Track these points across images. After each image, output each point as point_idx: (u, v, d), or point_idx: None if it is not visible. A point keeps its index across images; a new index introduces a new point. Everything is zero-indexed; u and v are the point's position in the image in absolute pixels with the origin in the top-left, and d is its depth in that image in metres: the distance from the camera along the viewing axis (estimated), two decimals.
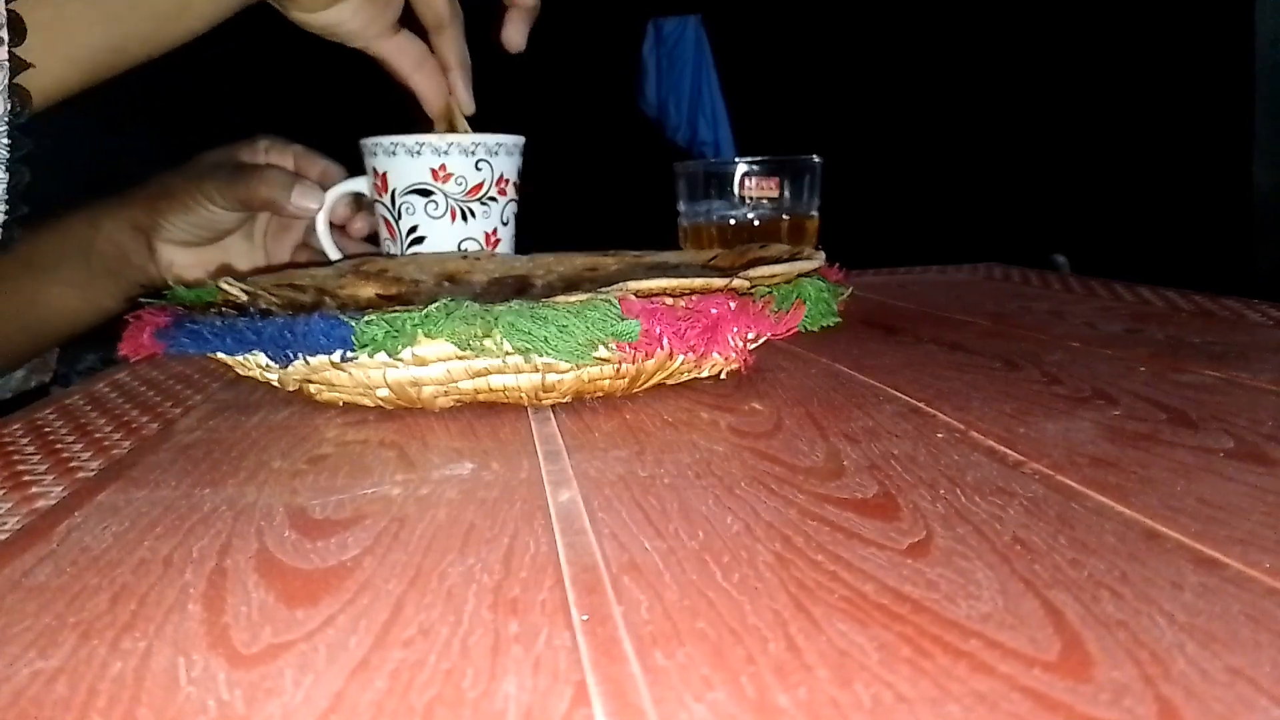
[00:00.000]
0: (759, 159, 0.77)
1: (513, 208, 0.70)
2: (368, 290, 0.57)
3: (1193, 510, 0.27)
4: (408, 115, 0.66)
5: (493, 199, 0.68)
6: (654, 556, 0.25)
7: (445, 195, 0.66)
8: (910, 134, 3.55)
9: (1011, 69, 3.40)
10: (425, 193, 0.66)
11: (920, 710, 0.18)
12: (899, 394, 0.43)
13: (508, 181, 0.69)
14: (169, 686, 0.20)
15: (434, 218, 0.67)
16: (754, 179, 0.77)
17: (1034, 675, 0.19)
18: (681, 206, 0.81)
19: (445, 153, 0.66)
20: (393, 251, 0.68)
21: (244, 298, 0.48)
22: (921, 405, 0.41)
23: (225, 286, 0.49)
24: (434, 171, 0.66)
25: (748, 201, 0.77)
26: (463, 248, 0.67)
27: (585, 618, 0.22)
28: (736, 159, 0.78)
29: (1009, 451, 0.34)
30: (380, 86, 0.66)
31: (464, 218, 0.67)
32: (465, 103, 0.67)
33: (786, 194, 0.78)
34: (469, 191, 0.67)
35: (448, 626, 0.22)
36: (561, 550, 0.26)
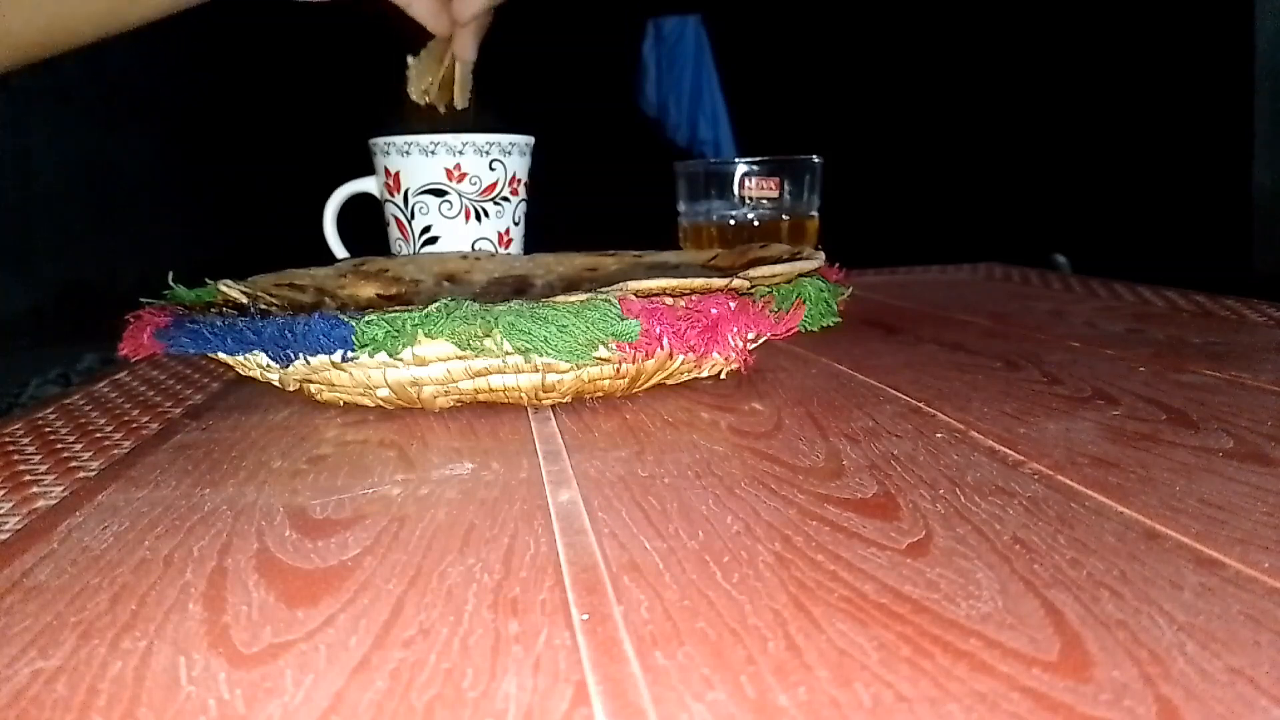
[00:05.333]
0: (759, 159, 0.77)
1: (523, 207, 0.70)
2: (368, 290, 0.57)
3: (1193, 510, 0.27)
4: (410, 116, 0.66)
5: (506, 199, 0.68)
6: (654, 556, 0.25)
7: (460, 195, 0.66)
8: (910, 134, 3.55)
9: (1011, 69, 3.40)
10: (439, 193, 0.66)
11: (920, 710, 0.18)
12: (899, 394, 0.43)
13: (519, 181, 0.69)
14: (169, 686, 0.20)
15: (448, 218, 0.67)
16: (754, 179, 0.77)
17: (1034, 675, 0.19)
18: (681, 206, 0.81)
19: (460, 152, 0.66)
20: (405, 252, 0.68)
21: (244, 298, 0.48)
22: (921, 405, 0.41)
23: (225, 288, 0.49)
24: (449, 171, 0.66)
25: (748, 201, 0.77)
26: (476, 247, 0.67)
27: (585, 618, 0.22)
28: (736, 159, 0.78)
29: (1009, 451, 0.34)
30: (383, 86, 0.65)
31: (478, 217, 0.67)
32: (466, 49, 0.64)
33: (786, 194, 0.78)
34: (483, 191, 0.67)
35: (448, 626, 0.22)
36: (561, 550, 0.26)
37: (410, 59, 0.65)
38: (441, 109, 0.65)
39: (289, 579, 0.25)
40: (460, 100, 0.65)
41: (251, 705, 0.19)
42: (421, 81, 0.65)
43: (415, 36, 0.64)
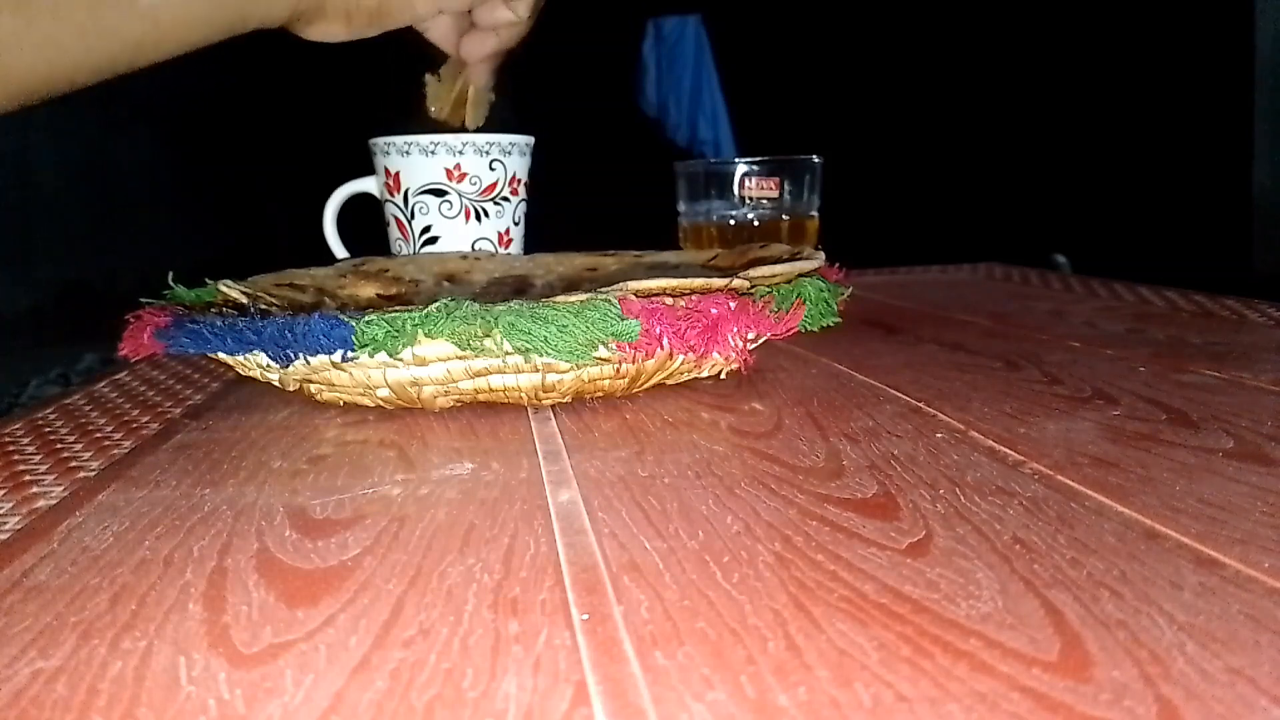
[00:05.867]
0: (759, 159, 0.77)
1: (523, 207, 0.70)
2: (368, 290, 0.57)
3: (1193, 510, 0.27)
4: (410, 115, 0.66)
5: (506, 199, 0.68)
6: (654, 556, 0.25)
7: (460, 195, 0.66)
8: (910, 134, 3.55)
9: (1011, 69, 3.40)
10: (439, 193, 0.66)
11: (920, 710, 0.18)
12: (899, 394, 0.43)
13: (519, 181, 0.69)
14: (169, 686, 0.20)
15: (448, 218, 0.67)
16: (754, 179, 0.77)
17: (1034, 675, 0.19)
18: (681, 206, 0.81)
19: (460, 152, 0.66)
20: (405, 252, 0.68)
21: (244, 298, 0.48)
22: (921, 405, 0.41)
23: (225, 288, 0.49)
24: (449, 171, 0.66)
25: (748, 201, 0.77)
26: (476, 247, 0.67)
27: (585, 618, 0.22)
28: (736, 159, 0.78)
29: (1009, 451, 0.34)
30: (382, 86, 0.65)
31: (478, 217, 0.67)
32: (479, 75, 0.64)
33: (786, 194, 0.78)
34: (483, 191, 0.67)
35: (448, 626, 0.22)
36: (561, 550, 0.26)
37: (429, 76, 0.66)
38: (456, 124, 0.66)
39: (289, 579, 0.25)
40: (473, 121, 0.66)
41: (251, 705, 0.19)
42: (438, 99, 0.66)
43: (433, 54, 0.65)
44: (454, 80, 0.65)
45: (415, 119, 0.66)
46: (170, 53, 0.53)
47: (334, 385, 0.43)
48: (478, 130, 0.66)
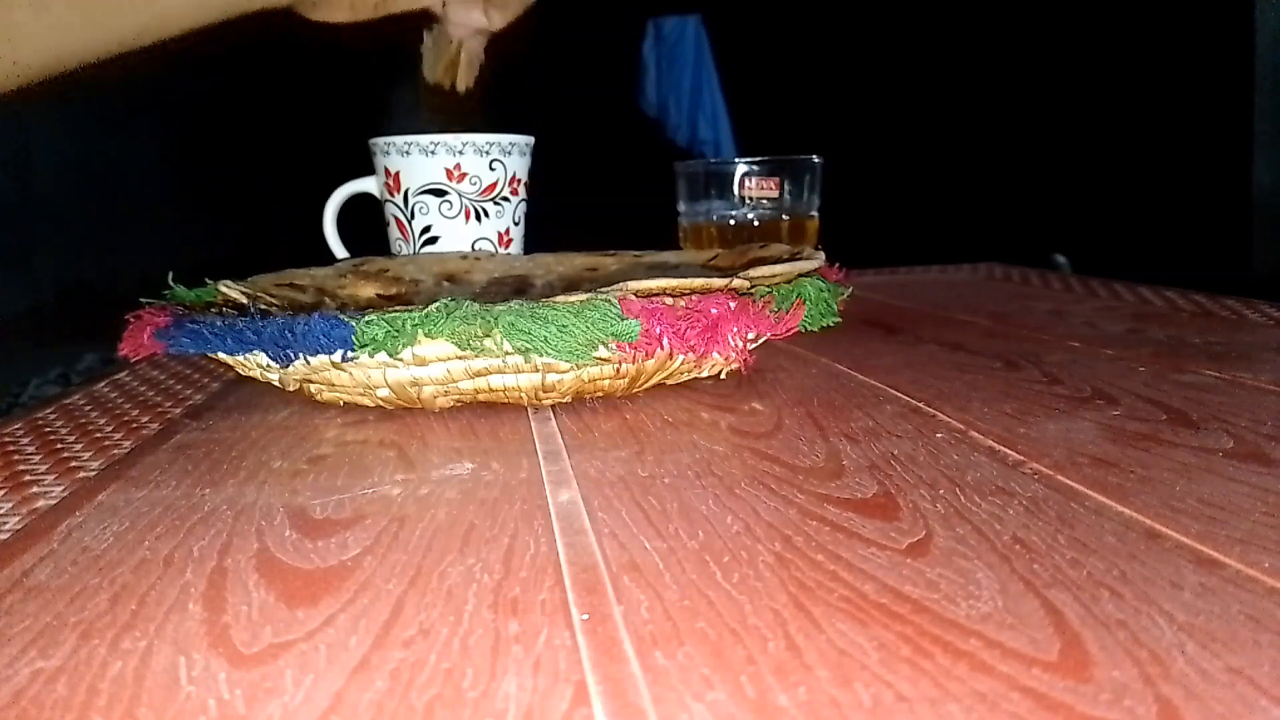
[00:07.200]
0: (759, 159, 0.77)
1: (523, 207, 0.70)
2: (368, 290, 0.57)
3: (1193, 510, 0.27)
4: (412, 115, 0.66)
5: (506, 199, 0.68)
6: (654, 556, 0.25)
7: (460, 195, 0.66)
8: (910, 134, 3.55)
9: (1011, 69, 3.40)
10: (439, 193, 0.67)
11: (920, 710, 0.18)
12: (899, 394, 0.43)
13: (519, 181, 0.69)
14: (169, 686, 0.20)
15: (448, 218, 0.67)
16: (754, 179, 0.77)
17: (1034, 675, 0.19)
18: (681, 206, 0.81)
19: (460, 152, 0.66)
20: (405, 252, 0.68)
21: (244, 298, 0.48)
22: (922, 405, 0.41)
23: (225, 288, 0.49)
24: (449, 171, 0.66)
25: (748, 201, 0.77)
26: (476, 247, 0.67)
27: (585, 618, 0.22)
28: (736, 159, 0.78)
29: (1009, 451, 0.34)
30: (384, 88, 0.66)
31: (478, 217, 0.67)
32: (472, 43, 0.65)
33: (786, 194, 0.78)
34: (483, 191, 0.67)
35: (448, 626, 0.22)
36: (561, 550, 0.26)
37: (426, 34, 0.66)
38: (447, 86, 0.66)
39: (289, 579, 0.25)
40: (462, 83, 0.66)
41: (251, 705, 0.19)
42: (431, 59, 0.66)
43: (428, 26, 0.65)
44: (446, 43, 0.65)
45: (425, 101, 0.66)
46: (176, 33, 0.54)
47: (334, 385, 0.43)
48: (469, 110, 0.66)
